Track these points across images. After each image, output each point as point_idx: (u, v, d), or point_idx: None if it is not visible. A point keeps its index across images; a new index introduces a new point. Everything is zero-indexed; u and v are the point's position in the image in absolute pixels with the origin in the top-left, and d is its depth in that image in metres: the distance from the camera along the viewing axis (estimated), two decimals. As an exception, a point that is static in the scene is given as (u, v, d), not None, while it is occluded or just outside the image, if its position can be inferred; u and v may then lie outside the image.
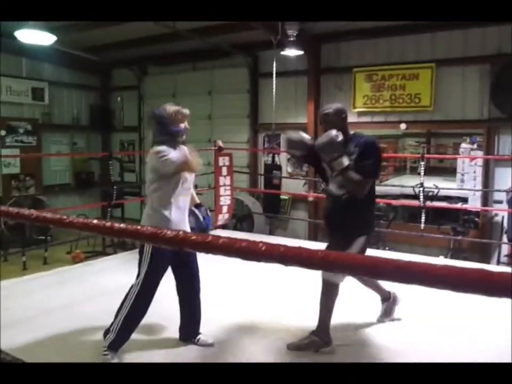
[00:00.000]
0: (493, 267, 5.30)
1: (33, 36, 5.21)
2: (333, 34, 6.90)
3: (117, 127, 9.92)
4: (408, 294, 3.59)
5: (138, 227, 1.19)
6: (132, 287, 2.84)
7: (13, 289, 4.00)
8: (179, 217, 2.87)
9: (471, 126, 6.73)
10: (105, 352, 2.79)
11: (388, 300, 3.43)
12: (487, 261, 6.05)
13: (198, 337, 3.06)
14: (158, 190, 2.83)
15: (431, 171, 8.80)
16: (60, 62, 8.67)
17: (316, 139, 3.02)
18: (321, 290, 2.98)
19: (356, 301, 3.57)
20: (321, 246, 2.63)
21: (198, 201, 3.20)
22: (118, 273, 4.30)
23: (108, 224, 1.20)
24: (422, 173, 5.44)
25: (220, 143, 5.94)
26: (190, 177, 2.94)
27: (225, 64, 8.29)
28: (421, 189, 5.40)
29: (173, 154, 2.79)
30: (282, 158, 7.79)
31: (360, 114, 7.08)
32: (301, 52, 6.66)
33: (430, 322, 3.42)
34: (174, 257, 2.87)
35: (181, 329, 3.11)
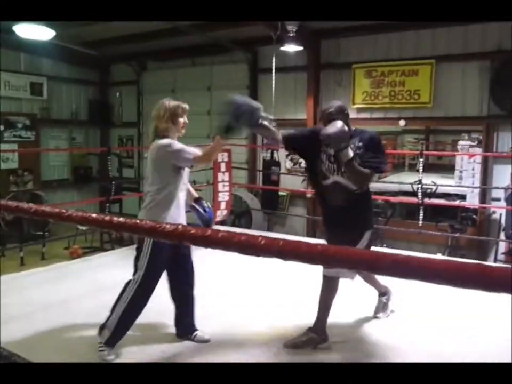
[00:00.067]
0: (490, 264, 5.30)
1: (32, 30, 5.21)
2: (332, 30, 6.89)
3: (115, 123, 9.90)
4: (408, 293, 3.59)
5: (138, 221, 1.19)
6: (129, 283, 2.83)
7: (10, 284, 3.99)
8: (178, 212, 2.87)
9: (470, 122, 6.74)
10: (102, 348, 2.78)
11: (385, 295, 3.45)
12: (485, 259, 6.06)
13: (194, 334, 3.06)
14: (163, 184, 2.81)
15: (430, 168, 8.80)
16: (58, 56, 8.64)
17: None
18: (321, 287, 2.98)
19: (352, 297, 3.56)
20: (319, 242, 2.62)
21: (196, 195, 3.18)
22: (115, 269, 4.29)
23: (107, 218, 1.19)
24: (421, 170, 5.43)
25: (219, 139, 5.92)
26: (186, 172, 2.93)
27: (225, 59, 8.27)
28: (419, 185, 5.40)
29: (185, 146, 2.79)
30: (281, 155, 7.78)
31: (360, 110, 7.07)
32: (301, 48, 6.65)
33: (429, 322, 3.41)
34: (170, 255, 2.87)
35: (177, 325, 3.11)
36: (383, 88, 6.83)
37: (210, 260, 4.53)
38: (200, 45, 7.94)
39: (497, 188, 5.96)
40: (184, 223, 2.95)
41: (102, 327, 2.83)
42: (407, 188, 6.55)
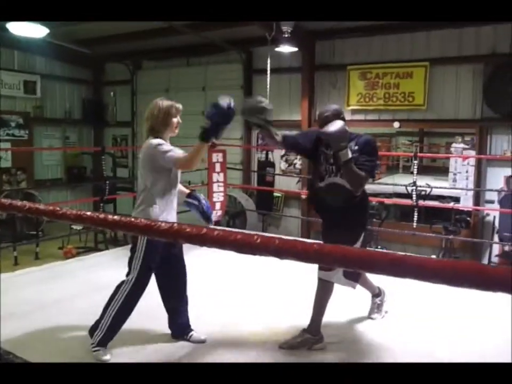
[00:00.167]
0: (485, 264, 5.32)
1: (26, 28, 5.17)
2: (327, 32, 6.90)
3: (109, 122, 9.86)
4: (403, 294, 3.60)
5: (132, 219, 1.18)
6: (122, 284, 2.81)
7: (4, 284, 3.95)
8: (168, 212, 2.84)
9: (464, 125, 6.76)
10: (96, 348, 2.78)
11: (378, 296, 3.45)
12: (478, 261, 6.08)
13: (190, 334, 3.05)
14: (152, 184, 2.79)
15: (424, 170, 8.81)
16: (52, 55, 8.59)
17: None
18: (317, 289, 2.98)
19: (346, 298, 3.56)
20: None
21: (187, 191, 3.08)
22: (109, 269, 4.27)
23: (102, 216, 1.18)
24: (415, 172, 5.45)
25: (214, 140, 5.91)
26: (178, 172, 2.91)
27: (219, 59, 8.26)
28: (414, 187, 5.41)
29: (174, 148, 2.76)
30: (276, 155, 7.78)
31: (354, 112, 7.08)
32: (295, 49, 6.65)
33: (424, 322, 3.42)
34: (162, 256, 2.85)
35: (171, 327, 3.09)
36: (377, 90, 6.85)
37: (206, 259, 4.52)
38: (195, 45, 7.93)
39: (491, 190, 5.99)
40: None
41: (94, 329, 2.82)
42: (402, 189, 6.56)
